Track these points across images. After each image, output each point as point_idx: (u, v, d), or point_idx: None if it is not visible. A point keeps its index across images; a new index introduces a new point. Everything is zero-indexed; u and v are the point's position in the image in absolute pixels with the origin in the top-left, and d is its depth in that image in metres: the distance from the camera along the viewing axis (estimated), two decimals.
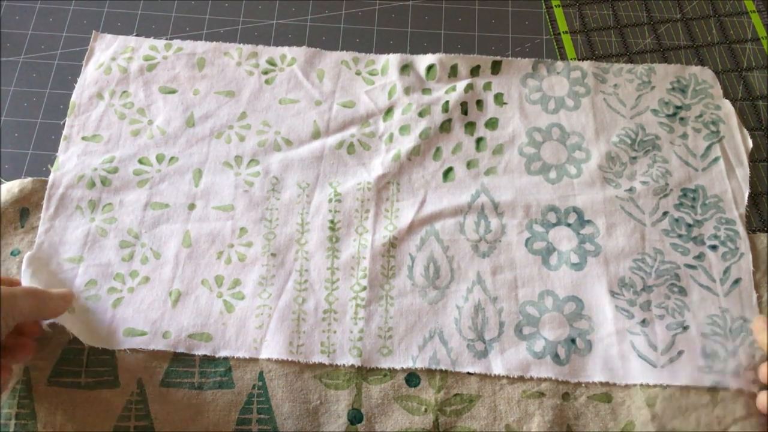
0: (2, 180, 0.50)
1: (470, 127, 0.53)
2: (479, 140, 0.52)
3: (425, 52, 0.55)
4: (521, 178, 0.51)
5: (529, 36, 0.58)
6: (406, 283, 0.47)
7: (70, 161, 0.50)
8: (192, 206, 0.49)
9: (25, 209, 0.49)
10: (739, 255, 0.47)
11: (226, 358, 0.44)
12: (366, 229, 0.48)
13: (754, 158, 0.52)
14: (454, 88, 0.53)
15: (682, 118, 0.53)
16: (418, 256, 0.48)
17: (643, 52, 0.57)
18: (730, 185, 0.50)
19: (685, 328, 0.45)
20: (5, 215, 0.48)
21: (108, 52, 0.55)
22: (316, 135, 0.52)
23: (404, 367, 0.44)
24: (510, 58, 0.55)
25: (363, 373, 0.44)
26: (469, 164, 0.51)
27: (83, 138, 0.51)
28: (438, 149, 0.52)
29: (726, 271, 0.47)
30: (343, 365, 0.44)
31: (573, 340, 0.45)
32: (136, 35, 0.56)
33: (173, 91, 0.54)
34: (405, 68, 0.54)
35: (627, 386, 0.43)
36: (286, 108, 0.53)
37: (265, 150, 0.51)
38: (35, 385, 0.43)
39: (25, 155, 0.52)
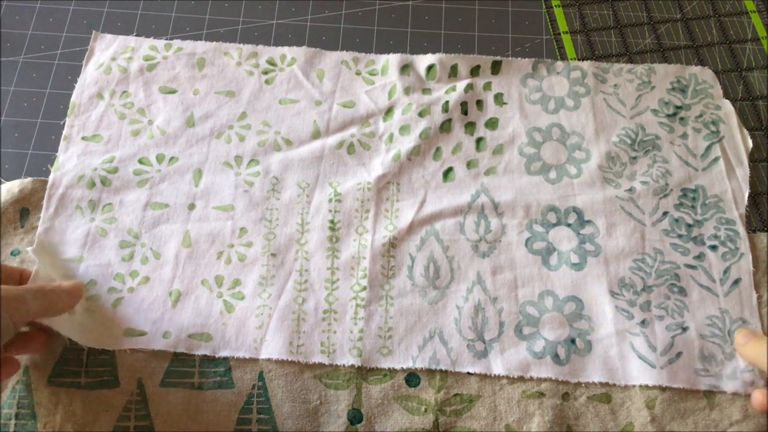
0: (2, 180, 0.50)
1: (470, 127, 0.53)
2: (479, 140, 0.52)
3: (425, 52, 0.55)
4: (521, 178, 0.51)
5: (529, 36, 0.58)
6: (406, 283, 0.47)
7: (70, 161, 0.50)
8: (192, 206, 0.49)
9: (25, 209, 0.49)
10: (739, 255, 0.47)
11: (226, 358, 0.44)
12: (366, 229, 0.48)
13: (754, 158, 0.52)
14: (454, 88, 0.53)
15: (682, 118, 0.53)
16: (418, 256, 0.48)
17: (643, 52, 0.57)
18: (730, 185, 0.50)
19: (685, 329, 0.45)
20: (5, 215, 0.48)
21: (108, 52, 0.55)
22: (316, 135, 0.52)
23: (404, 367, 0.44)
24: (510, 58, 0.55)
25: (363, 373, 0.44)
26: (469, 164, 0.51)
27: (83, 138, 0.51)
28: (438, 149, 0.52)
29: (726, 271, 0.47)
30: (343, 365, 0.44)
31: (573, 341, 0.45)
32: (136, 35, 0.56)
33: (173, 91, 0.54)
34: (405, 68, 0.54)
35: (627, 387, 0.43)
36: (286, 108, 0.53)
37: (265, 150, 0.51)
38: (35, 385, 0.43)
39: (25, 155, 0.52)
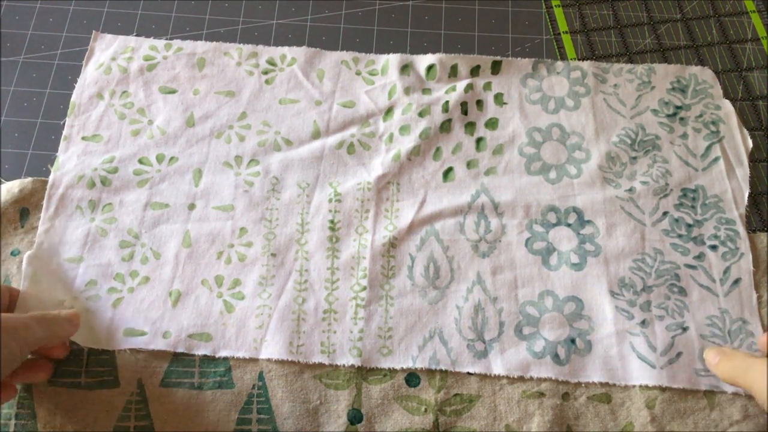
0: (2, 180, 0.50)
1: (470, 127, 0.53)
2: (479, 140, 0.52)
3: (425, 52, 0.55)
4: (521, 178, 0.51)
5: (529, 36, 0.58)
6: (406, 283, 0.47)
7: (70, 161, 0.50)
8: (192, 206, 0.49)
9: (25, 209, 0.49)
10: (739, 255, 0.47)
11: (226, 358, 0.44)
12: (366, 229, 0.48)
13: (754, 158, 0.52)
14: (454, 88, 0.53)
15: (682, 118, 0.53)
16: (418, 256, 0.48)
17: (643, 52, 0.57)
18: (730, 185, 0.50)
19: (685, 329, 0.45)
20: (5, 215, 0.48)
21: (108, 52, 0.55)
22: (316, 135, 0.52)
23: (404, 367, 0.44)
24: (510, 58, 0.55)
25: (363, 373, 0.44)
26: (469, 164, 0.51)
27: (83, 138, 0.51)
28: (438, 149, 0.52)
29: (726, 271, 0.47)
30: (343, 365, 0.44)
31: (573, 341, 0.45)
32: (136, 35, 0.56)
33: (173, 91, 0.54)
34: (405, 68, 0.54)
35: (627, 387, 0.43)
36: (286, 108, 0.53)
37: (265, 150, 0.51)
38: (35, 385, 0.43)
39: (25, 155, 0.52)
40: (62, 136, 0.51)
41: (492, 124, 0.53)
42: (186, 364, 0.44)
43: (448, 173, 0.51)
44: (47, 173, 0.50)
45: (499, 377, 0.44)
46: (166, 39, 0.56)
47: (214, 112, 0.53)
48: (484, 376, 0.44)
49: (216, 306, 0.46)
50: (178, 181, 0.50)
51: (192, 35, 0.57)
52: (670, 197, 0.50)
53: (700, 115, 0.53)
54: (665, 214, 0.49)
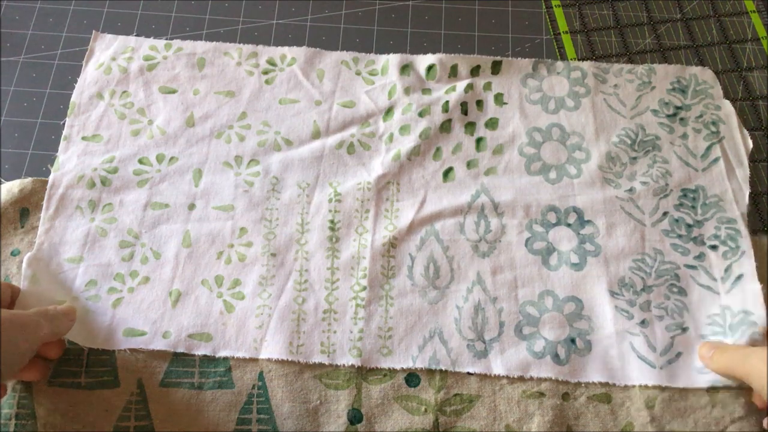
0: (2, 180, 0.50)
1: (470, 127, 0.53)
2: (479, 140, 0.52)
3: (425, 52, 0.55)
4: (521, 178, 0.51)
5: (529, 36, 0.58)
6: (406, 283, 0.47)
7: (70, 161, 0.50)
8: (192, 206, 0.49)
9: (25, 209, 0.49)
10: (741, 253, 0.47)
11: (226, 358, 0.44)
12: (366, 229, 0.48)
13: (754, 158, 0.52)
14: (454, 88, 0.53)
15: (682, 119, 0.53)
16: (418, 256, 0.48)
17: (643, 52, 0.57)
18: (730, 185, 0.50)
19: (684, 329, 0.45)
20: (5, 215, 0.48)
21: (108, 52, 0.55)
22: (316, 135, 0.52)
23: (404, 367, 0.44)
24: (510, 58, 0.55)
25: (363, 373, 0.44)
26: (469, 164, 0.51)
27: (83, 138, 0.51)
28: (438, 149, 0.52)
29: (727, 269, 0.47)
30: (343, 365, 0.44)
31: (573, 340, 0.45)
32: (136, 35, 0.56)
33: (173, 91, 0.54)
34: (405, 68, 0.54)
35: (626, 387, 0.43)
36: (286, 108, 0.53)
37: (265, 150, 0.51)
38: (35, 385, 0.43)
39: (25, 155, 0.52)
40: (62, 136, 0.51)
41: (492, 124, 0.53)
42: (186, 364, 0.44)
43: (448, 173, 0.51)
44: (47, 173, 0.50)
45: (499, 377, 0.44)
46: (166, 39, 0.56)
47: (214, 112, 0.53)
48: (484, 376, 0.44)
49: (216, 306, 0.46)
50: (178, 181, 0.50)
51: (192, 35, 0.57)
52: (670, 197, 0.49)
53: (700, 116, 0.53)
54: (665, 214, 0.49)
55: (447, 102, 0.53)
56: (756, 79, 0.55)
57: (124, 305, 0.46)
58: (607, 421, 0.43)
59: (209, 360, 0.44)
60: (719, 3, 0.59)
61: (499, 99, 0.54)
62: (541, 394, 0.43)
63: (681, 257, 0.47)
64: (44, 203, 0.48)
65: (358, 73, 0.55)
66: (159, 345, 0.44)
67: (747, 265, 0.46)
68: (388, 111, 0.53)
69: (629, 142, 0.52)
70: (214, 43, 0.56)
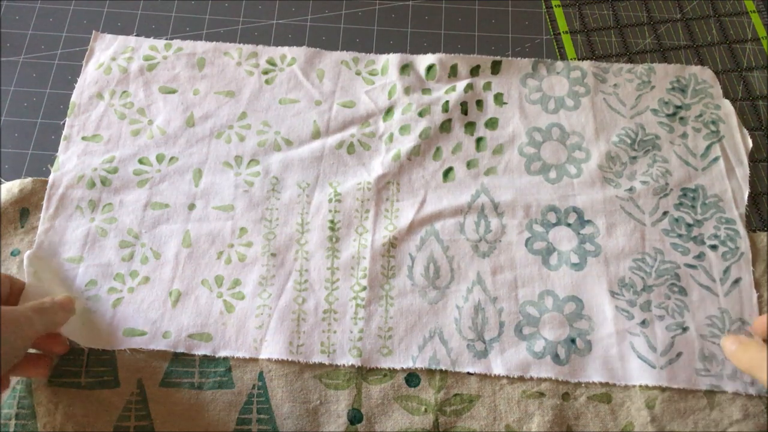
0: (2, 180, 0.50)
1: (470, 127, 0.53)
2: (479, 140, 0.52)
3: (425, 52, 0.55)
4: (521, 178, 0.51)
5: (529, 36, 0.58)
6: (406, 283, 0.47)
7: (70, 161, 0.50)
8: (192, 206, 0.49)
9: (25, 209, 0.49)
10: (739, 254, 0.47)
11: (226, 358, 0.44)
12: (366, 229, 0.48)
13: (754, 158, 0.52)
14: (454, 88, 0.53)
15: (682, 118, 0.53)
16: (418, 256, 0.48)
17: (643, 52, 0.57)
18: (730, 185, 0.50)
19: (685, 329, 0.45)
20: (5, 215, 0.48)
21: (108, 52, 0.55)
22: (316, 135, 0.52)
23: (404, 367, 0.44)
24: (510, 58, 0.55)
25: (363, 373, 0.44)
26: (469, 164, 0.51)
27: (83, 138, 0.51)
28: (438, 149, 0.52)
29: (726, 270, 0.47)
30: (343, 365, 0.44)
31: (573, 340, 0.45)
32: (136, 35, 0.56)
33: (173, 91, 0.54)
34: (405, 68, 0.54)
35: (627, 387, 0.43)
36: (286, 108, 0.53)
37: (265, 150, 0.51)
38: (35, 385, 0.43)
39: (25, 155, 0.52)
40: (62, 136, 0.51)
41: (492, 124, 0.53)
42: (186, 364, 0.44)
43: (448, 173, 0.51)
44: (47, 173, 0.50)
45: (499, 377, 0.44)
46: (166, 39, 0.56)
47: (214, 112, 0.53)
48: (484, 376, 0.44)
49: (216, 306, 0.46)
50: (178, 181, 0.50)
51: (192, 35, 0.57)
52: (670, 197, 0.50)
53: (700, 115, 0.53)
54: (665, 213, 0.49)
55: (447, 102, 0.53)
56: (756, 79, 0.55)
57: (124, 305, 0.46)
58: (607, 421, 0.43)
59: (209, 360, 0.44)
60: (719, 3, 0.59)
61: (498, 99, 0.54)
62: (541, 394, 0.43)
63: (681, 257, 0.47)
64: (44, 203, 0.48)
65: (358, 73, 0.55)
66: (159, 345, 0.44)
67: (745, 269, 0.47)
68: (388, 111, 0.53)
69: (629, 141, 0.52)
70: (214, 43, 0.56)
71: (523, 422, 0.43)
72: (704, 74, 0.54)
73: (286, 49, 0.56)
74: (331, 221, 0.49)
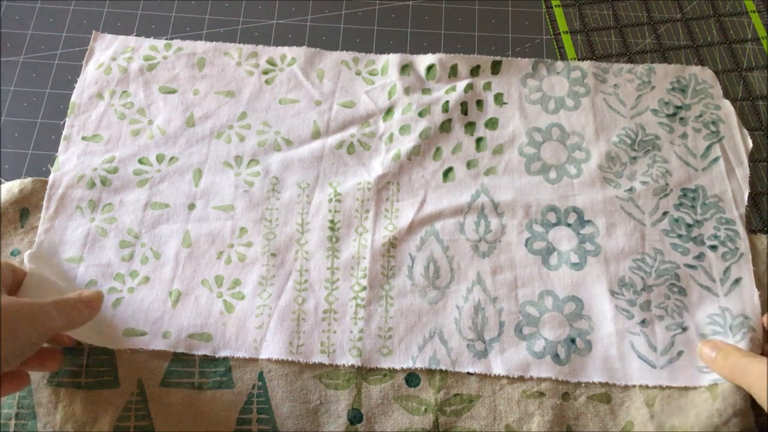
0: (2, 180, 0.50)
1: (470, 127, 0.53)
2: (479, 140, 0.52)
3: (425, 52, 0.55)
4: (521, 178, 0.51)
5: (529, 36, 0.58)
6: (406, 283, 0.47)
7: (70, 161, 0.50)
8: (192, 206, 0.49)
9: (25, 209, 0.49)
10: (739, 255, 0.47)
11: (226, 358, 0.44)
12: (366, 229, 0.48)
13: (754, 158, 0.52)
14: (454, 88, 0.53)
15: (682, 118, 0.53)
16: (418, 256, 0.48)
17: (643, 52, 0.57)
18: (730, 185, 0.50)
19: (685, 329, 0.45)
20: (5, 215, 0.48)
21: (108, 52, 0.55)
22: (316, 135, 0.52)
23: (404, 367, 0.44)
24: (510, 58, 0.55)
25: (363, 373, 0.44)
26: (469, 164, 0.51)
27: (83, 138, 0.51)
28: (438, 149, 0.52)
29: (726, 271, 0.47)
30: (343, 365, 0.44)
31: (573, 340, 0.45)
32: (136, 35, 0.56)
33: (173, 91, 0.54)
34: (405, 68, 0.54)
35: (626, 387, 0.43)
36: (286, 108, 0.53)
37: (265, 150, 0.51)
38: (35, 385, 0.43)
39: (25, 155, 0.52)
40: (62, 136, 0.51)
41: (492, 124, 0.53)
42: (186, 364, 0.44)
43: (448, 173, 0.51)
44: (47, 173, 0.50)
45: (499, 377, 0.44)
46: (166, 39, 0.56)
47: (214, 112, 0.53)
48: (484, 376, 0.44)
49: (216, 306, 0.46)
50: (178, 181, 0.50)
51: (192, 35, 0.57)
52: (670, 197, 0.50)
53: (700, 115, 0.53)
54: (665, 214, 0.49)
55: (447, 102, 0.53)
56: (756, 79, 0.55)
57: (124, 305, 0.46)
58: (607, 421, 0.43)
59: (209, 360, 0.44)
60: (719, 3, 0.59)
61: (499, 99, 0.54)
62: (541, 394, 0.43)
63: (681, 257, 0.47)
64: (44, 203, 0.48)
65: (358, 73, 0.55)
66: (159, 345, 0.44)
67: (745, 269, 0.46)
68: (388, 111, 0.53)
69: (629, 141, 0.52)
70: (214, 43, 0.56)
71: (523, 422, 0.43)
72: (704, 74, 0.54)
73: (286, 49, 0.56)
74: (331, 221, 0.49)
